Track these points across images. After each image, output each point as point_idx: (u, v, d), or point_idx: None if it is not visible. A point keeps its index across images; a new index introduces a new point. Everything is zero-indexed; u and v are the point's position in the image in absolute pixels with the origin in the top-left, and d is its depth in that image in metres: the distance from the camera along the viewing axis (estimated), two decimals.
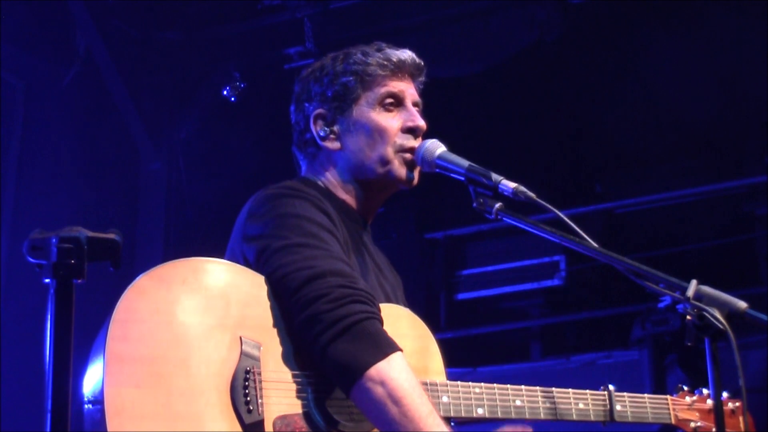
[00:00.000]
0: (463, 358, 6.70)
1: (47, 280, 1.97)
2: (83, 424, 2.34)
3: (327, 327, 2.44)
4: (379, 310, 2.54)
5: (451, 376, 2.73)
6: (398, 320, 2.71)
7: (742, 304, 2.34)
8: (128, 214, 6.92)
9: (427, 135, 2.89)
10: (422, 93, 2.98)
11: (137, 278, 2.41)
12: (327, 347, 2.43)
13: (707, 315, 2.31)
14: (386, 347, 2.46)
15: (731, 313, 2.33)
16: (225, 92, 6.87)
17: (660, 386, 6.20)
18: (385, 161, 2.83)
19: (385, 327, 2.53)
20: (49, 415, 1.91)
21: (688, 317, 2.35)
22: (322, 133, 2.89)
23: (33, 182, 6.24)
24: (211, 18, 6.90)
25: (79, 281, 1.97)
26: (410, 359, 2.61)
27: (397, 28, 6.61)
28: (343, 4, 6.64)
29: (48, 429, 1.90)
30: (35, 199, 6.18)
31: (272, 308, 2.53)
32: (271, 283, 2.55)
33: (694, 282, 2.38)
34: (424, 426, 2.41)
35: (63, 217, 6.03)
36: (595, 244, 2.57)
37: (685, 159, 7.51)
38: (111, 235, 2.02)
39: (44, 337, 1.94)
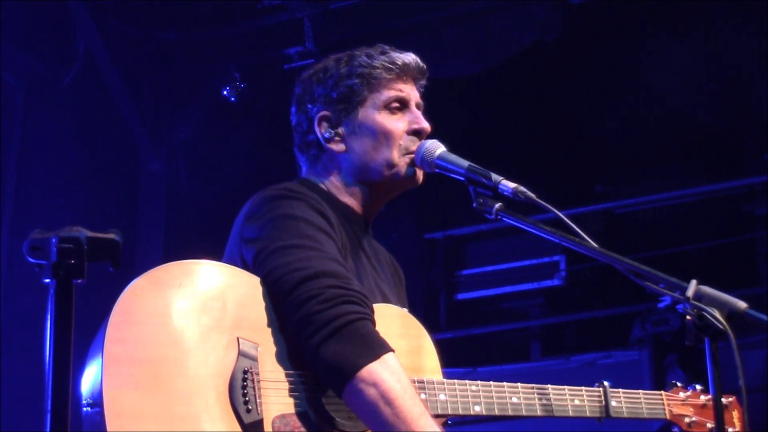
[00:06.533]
0: (463, 358, 6.70)
1: (47, 280, 1.96)
2: (82, 426, 2.33)
3: (318, 328, 2.43)
4: (372, 311, 2.53)
5: (451, 377, 2.72)
6: (392, 320, 2.70)
7: (742, 304, 2.34)
8: (128, 214, 6.92)
9: (427, 135, 2.89)
10: (422, 93, 2.98)
11: (133, 281, 2.41)
12: (318, 348, 2.43)
13: (707, 315, 2.31)
14: (378, 348, 2.45)
15: (731, 313, 2.33)
16: (225, 92, 6.88)
17: (660, 386, 6.16)
18: (391, 164, 2.84)
19: (378, 327, 2.52)
20: (49, 416, 1.91)
21: (688, 317, 2.34)
22: (326, 135, 2.87)
23: (33, 182, 6.24)
24: (211, 18, 6.90)
25: (79, 281, 1.97)
26: (404, 358, 2.61)
27: (397, 28, 6.61)
28: (343, 4, 6.64)
29: (48, 429, 1.90)
30: (35, 199, 6.17)
31: (268, 309, 2.53)
32: (266, 284, 2.54)
33: (693, 282, 2.38)
34: (417, 427, 2.41)
35: (63, 217, 6.03)
36: (595, 244, 2.57)
37: (685, 159, 7.51)
38: (111, 235, 2.02)
39: (44, 337, 1.94)
